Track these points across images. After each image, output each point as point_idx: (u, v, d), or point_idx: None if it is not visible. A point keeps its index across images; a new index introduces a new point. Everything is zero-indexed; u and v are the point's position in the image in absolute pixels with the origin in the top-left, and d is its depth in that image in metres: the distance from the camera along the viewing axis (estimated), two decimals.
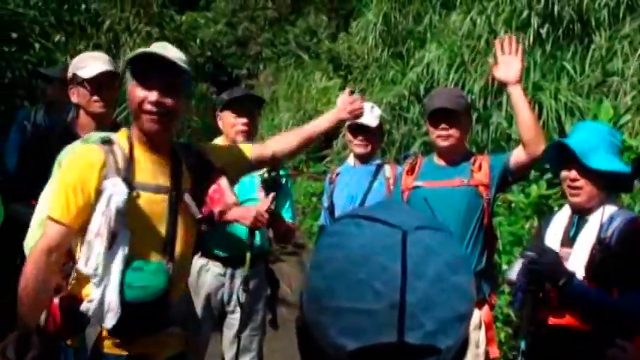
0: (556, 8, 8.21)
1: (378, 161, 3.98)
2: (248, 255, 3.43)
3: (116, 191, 2.28)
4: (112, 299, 2.29)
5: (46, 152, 3.07)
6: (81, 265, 2.30)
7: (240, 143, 3.27)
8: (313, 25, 17.16)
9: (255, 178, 3.51)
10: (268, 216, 3.34)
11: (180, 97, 2.39)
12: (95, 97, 3.35)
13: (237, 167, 2.74)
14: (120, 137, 2.45)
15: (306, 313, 0.91)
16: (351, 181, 3.93)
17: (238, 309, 3.52)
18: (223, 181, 2.73)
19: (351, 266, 0.85)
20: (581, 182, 2.63)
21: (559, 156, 2.74)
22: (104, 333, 2.37)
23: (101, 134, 2.51)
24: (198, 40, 13.96)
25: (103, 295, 2.28)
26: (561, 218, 2.80)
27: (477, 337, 3.28)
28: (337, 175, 4.03)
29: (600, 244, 2.53)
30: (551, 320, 2.64)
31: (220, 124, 3.65)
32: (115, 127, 3.33)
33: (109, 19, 10.63)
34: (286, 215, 3.64)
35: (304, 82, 14.45)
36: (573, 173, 2.64)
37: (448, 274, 0.86)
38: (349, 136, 3.99)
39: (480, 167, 3.32)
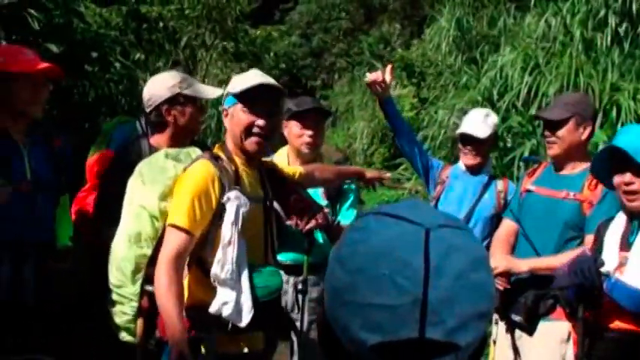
0: (634, 6, 7.94)
1: (487, 173, 3.89)
2: (306, 260, 3.36)
3: (242, 202, 2.49)
4: (247, 300, 2.47)
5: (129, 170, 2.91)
6: (217, 271, 2.45)
7: (303, 154, 3.49)
8: (386, 33, 17.15)
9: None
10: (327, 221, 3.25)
11: (277, 119, 2.73)
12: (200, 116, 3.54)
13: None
14: (219, 153, 2.65)
15: (327, 308, 0.93)
16: (462, 187, 3.85)
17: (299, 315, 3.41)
18: (300, 191, 2.93)
19: (373, 261, 0.87)
20: (637, 185, 2.54)
21: (610, 162, 2.65)
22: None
23: (187, 150, 2.77)
24: (272, 53, 14.16)
25: (238, 297, 2.46)
26: (619, 223, 2.71)
27: (564, 350, 3.11)
28: (447, 177, 3.93)
29: None
30: (614, 324, 2.58)
31: (285, 132, 3.62)
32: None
33: (186, 36, 10.94)
34: (347, 216, 3.59)
35: None
36: (628, 176, 2.54)
37: (469, 271, 0.87)
38: (459, 144, 3.92)
39: (596, 185, 3.11)
